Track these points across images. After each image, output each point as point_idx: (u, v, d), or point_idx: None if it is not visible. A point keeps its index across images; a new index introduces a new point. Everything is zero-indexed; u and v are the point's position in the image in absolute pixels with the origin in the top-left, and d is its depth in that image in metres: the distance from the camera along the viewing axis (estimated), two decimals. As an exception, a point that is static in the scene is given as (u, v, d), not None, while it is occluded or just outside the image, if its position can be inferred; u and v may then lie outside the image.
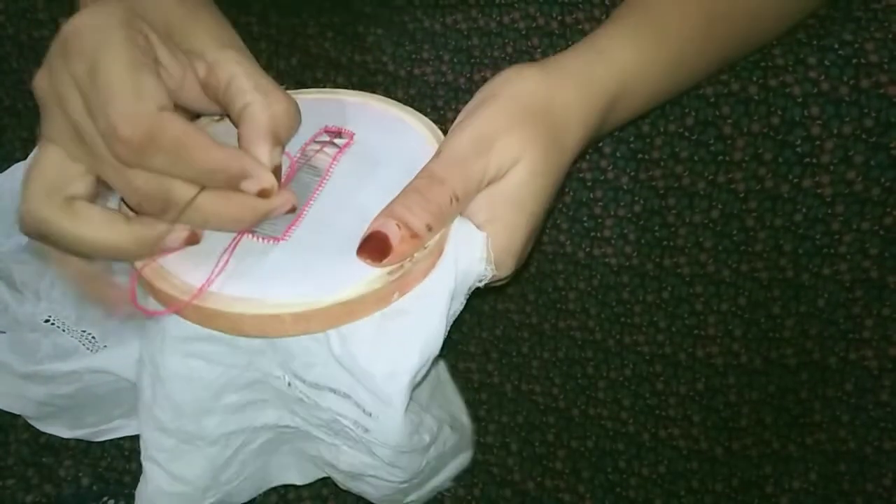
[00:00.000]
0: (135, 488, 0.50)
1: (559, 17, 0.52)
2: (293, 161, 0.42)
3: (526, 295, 0.54)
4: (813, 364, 0.50)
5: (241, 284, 0.36)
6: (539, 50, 0.52)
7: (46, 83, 0.35)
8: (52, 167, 0.35)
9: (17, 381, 0.51)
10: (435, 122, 0.54)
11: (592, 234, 0.52)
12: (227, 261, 0.37)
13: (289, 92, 0.45)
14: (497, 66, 0.53)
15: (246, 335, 0.37)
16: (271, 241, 0.38)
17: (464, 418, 0.51)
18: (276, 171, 0.37)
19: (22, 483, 0.51)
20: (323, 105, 0.46)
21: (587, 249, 0.52)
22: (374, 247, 0.36)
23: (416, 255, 0.37)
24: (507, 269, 0.41)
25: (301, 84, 0.58)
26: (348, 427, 0.39)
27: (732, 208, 0.49)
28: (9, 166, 0.55)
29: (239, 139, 0.37)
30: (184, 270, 0.37)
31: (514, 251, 0.40)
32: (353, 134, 0.44)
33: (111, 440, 0.52)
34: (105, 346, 0.53)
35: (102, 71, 0.33)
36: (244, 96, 0.37)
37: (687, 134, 0.49)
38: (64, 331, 0.53)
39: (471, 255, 0.39)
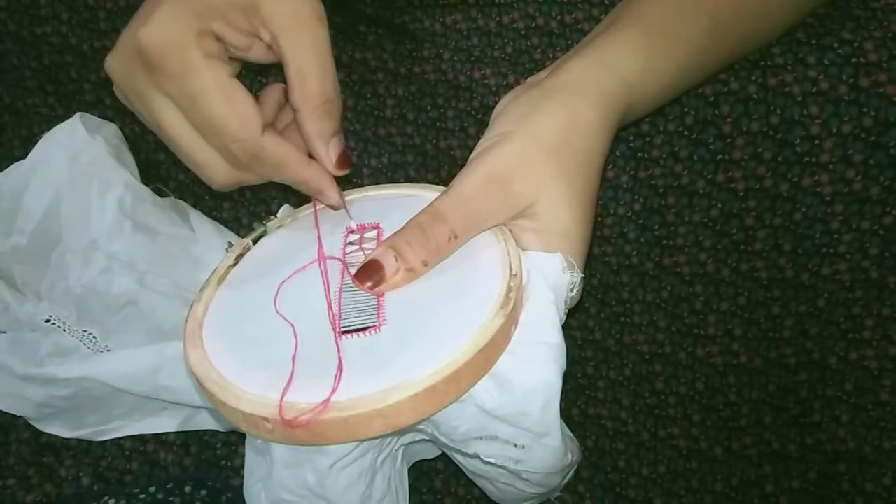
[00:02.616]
0: (135, 488, 0.50)
1: (558, 17, 0.52)
2: (342, 267, 0.41)
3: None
4: (812, 364, 0.50)
5: (381, 376, 0.34)
6: (538, 49, 0.52)
7: (129, 80, 0.40)
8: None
9: (17, 382, 0.51)
10: (435, 119, 0.55)
11: (592, 232, 0.51)
12: (340, 369, 0.35)
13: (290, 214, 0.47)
14: (497, 66, 0.53)
15: (403, 426, 0.34)
16: (372, 332, 0.37)
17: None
18: (340, 159, 0.42)
19: (23, 483, 0.51)
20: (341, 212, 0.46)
21: (586, 248, 0.52)
22: (369, 275, 0.38)
23: (512, 284, 0.37)
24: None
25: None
26: (496, 463, 0.38)
27: (732, 207, 0.49)
28: (8, 164, 0.55)
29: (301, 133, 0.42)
30: (308, 396, 0.34)
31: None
32: (378, 224, 0.44)
33: (112, 440, 0.52)
34: (107, 347, 0.54)
35: (200, 102, 0.39)
36: (293, 99, 0.41)
37: (686, 133, 0.49)
38: (65, 330, 0.53)
39: (553, 269, 0.39)
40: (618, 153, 0.50)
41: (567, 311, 0.41)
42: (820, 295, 0.49)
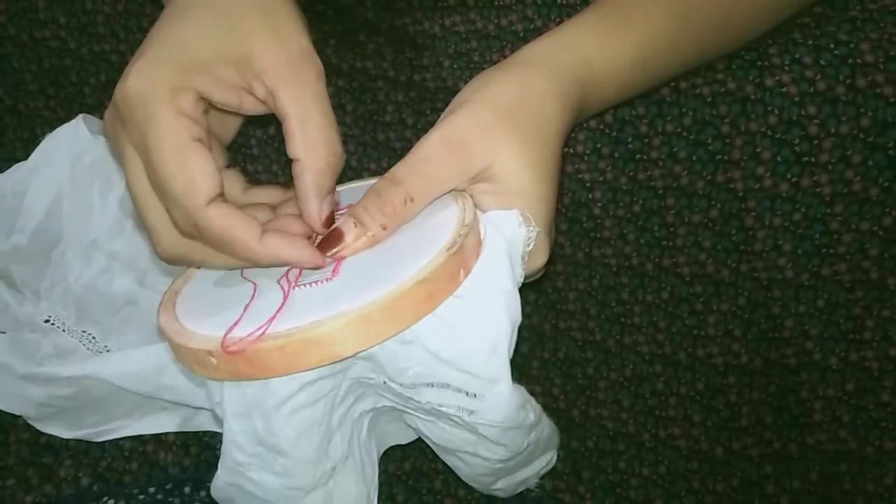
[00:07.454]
0: (135, 488, 0.50)
1: (557, 20, 0.52)
2: None
3: (525, 296, 0.54)
4: (813, 364, 0.50)
5: (322, 310, 0.35)
6: (537, 52, 0.53)
7: (112, 132, 0.39)
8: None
9: (17, 382, 0.51)
10: (433, 124, 0.55)
11: (592, 234, 0.52)
12: (283, 305, 0.37)
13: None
14: (496, 71, 0.53)
15: (340, 356, 0.36)
16: (325, 282, 0.38)
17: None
18: (329, 219, 0.41)
19: (22, 483, 0.50)
20: None
21: (586, 250, 0.52)
22: (331, 243, 0.40)
23: (462, 231, 0.38)
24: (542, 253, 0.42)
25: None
26: (450, 413, 0.39)
27: (731, 208, 0.49)
28: (9, 166, 0.56)
29: (296, 187, 0.40)
30: (252, 331, 0.36)
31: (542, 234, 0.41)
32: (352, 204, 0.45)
33: (111, 440, 0.52)
34: (106, 347, 0.54)
35: (154, 155, 0.36)
36: (294, 148, 0.39)
37: (685, 133, 0.49)
38: (64, 331, 0.53)
39: (510, 224, 0.40)
40: (616, 155, 0.50)
41: (525, 272, 0.41)
42: (820, 296, 0.49)
